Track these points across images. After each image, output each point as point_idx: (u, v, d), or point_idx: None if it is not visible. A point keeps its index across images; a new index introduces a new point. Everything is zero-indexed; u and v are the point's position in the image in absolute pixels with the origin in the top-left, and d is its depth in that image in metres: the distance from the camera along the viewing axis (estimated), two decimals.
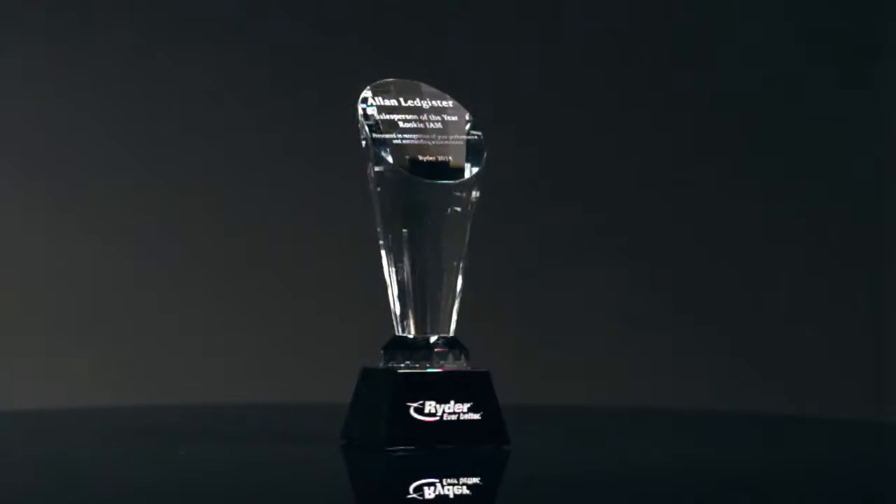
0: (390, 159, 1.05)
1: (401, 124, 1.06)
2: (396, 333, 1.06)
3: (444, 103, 1.08)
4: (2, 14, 2.19)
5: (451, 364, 1.05)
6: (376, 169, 1.06)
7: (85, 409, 1.51)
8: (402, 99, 1.07)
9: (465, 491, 0.93)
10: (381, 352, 1.07)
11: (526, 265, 2.37)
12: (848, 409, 2.30)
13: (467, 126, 1.08)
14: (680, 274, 2.40)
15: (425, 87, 1.08)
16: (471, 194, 1.06)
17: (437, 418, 1.04)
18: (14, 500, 0.87)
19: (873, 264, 2.44)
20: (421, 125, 1.07)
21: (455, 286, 1.06)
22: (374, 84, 1.08)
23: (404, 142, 1.06)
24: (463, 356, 1.06)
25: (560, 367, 2.35)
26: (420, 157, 1.06)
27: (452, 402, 1.04)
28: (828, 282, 2.43)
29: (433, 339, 1.05)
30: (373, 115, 1.06)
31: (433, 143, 1.06)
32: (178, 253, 2.25)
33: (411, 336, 1.06)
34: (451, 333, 1.06)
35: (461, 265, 1.06)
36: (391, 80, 1.08)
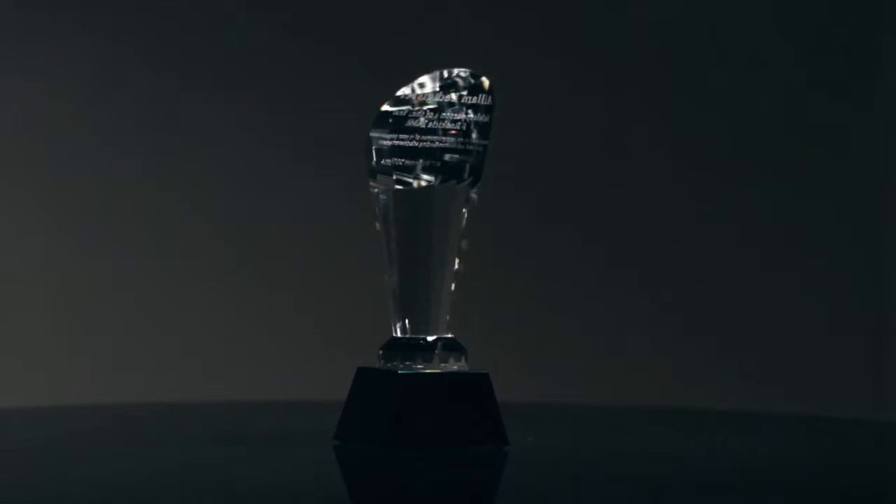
0: (383, 162, 1.04)
1: (420, 122, 1.05)
2: (394, 334, 1.06)
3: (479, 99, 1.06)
4: (1, 14, 2.19)
5: (450, 365, 1.05)
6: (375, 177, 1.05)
7: (85, 407, 1.51)
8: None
9: (465, 492, 0.93)
10: (380, 352, 1.06)
11: (524, 265, 2.37)
12: (848, 410, 2.30)
13: (476, 98, 1.06)
14: (678, 274, 2.40)
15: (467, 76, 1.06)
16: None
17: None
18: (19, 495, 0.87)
19: (872, 264, 2.44)
20: (435, 124, 1.05)
21: (453, 287, 1.05)
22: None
23: (399, 143, 1.04)
24: (462, 358, 1.05)
25: (559, 366, 2.35)
26: (407, 159, 1.04)
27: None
28: (828, 281, 2.43)
29: (432, 339, 1.05)
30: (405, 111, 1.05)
31: (428, 144, 1.05)
32: (176, 252, 2.25)
33: (410, 337, 1.05)
34: (450, 334, 1.05)
35: (459, 266, 1.05)
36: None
